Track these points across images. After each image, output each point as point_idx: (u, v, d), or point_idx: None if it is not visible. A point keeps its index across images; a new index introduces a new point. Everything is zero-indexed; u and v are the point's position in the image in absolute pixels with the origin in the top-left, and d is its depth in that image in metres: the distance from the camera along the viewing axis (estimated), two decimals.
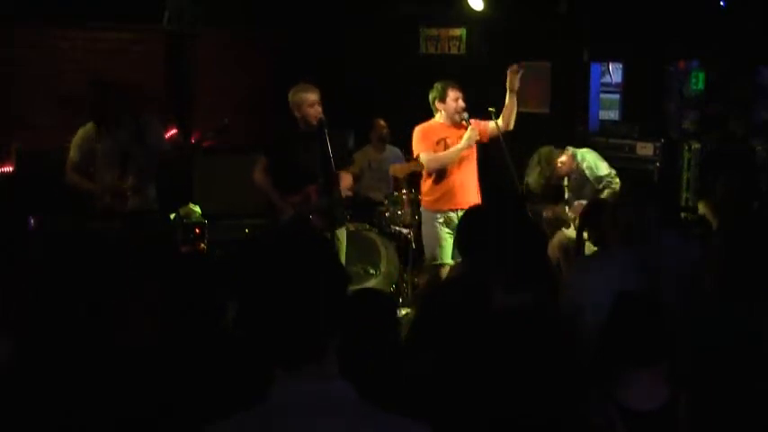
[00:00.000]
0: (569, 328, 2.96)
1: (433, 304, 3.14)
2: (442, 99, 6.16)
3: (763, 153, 7.16)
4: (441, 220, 6.19)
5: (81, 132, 5.72)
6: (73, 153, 5.71)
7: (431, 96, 6.23)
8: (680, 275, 3.50)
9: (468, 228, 3.69)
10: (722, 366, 2.89)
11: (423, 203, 6.43)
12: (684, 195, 7.37)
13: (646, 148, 7.52)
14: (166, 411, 2.53)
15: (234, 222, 7.30)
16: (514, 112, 6.24)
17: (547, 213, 6.57)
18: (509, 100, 6.22)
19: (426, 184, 6.31)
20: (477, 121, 6.20)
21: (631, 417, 2.42)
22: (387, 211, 7.34)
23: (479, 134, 6.16)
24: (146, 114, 5.76)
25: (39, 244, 5.74)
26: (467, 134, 6.08)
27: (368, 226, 7.28)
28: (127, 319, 3.02)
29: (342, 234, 6.05)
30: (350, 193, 5.92)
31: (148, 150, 5.60)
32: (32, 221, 5.93)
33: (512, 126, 6.25)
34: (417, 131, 6.25)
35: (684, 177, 7.40)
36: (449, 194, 6.18)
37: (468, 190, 6.21)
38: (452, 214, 6.14)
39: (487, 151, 6.51)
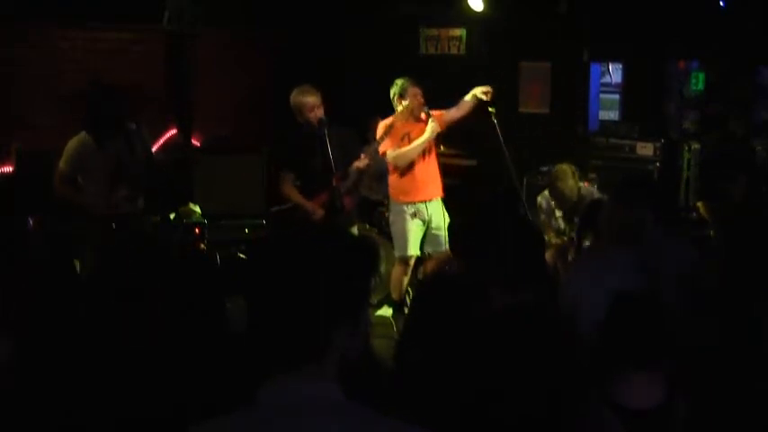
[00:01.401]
0: (569, 327, 2.96)
1: (429, 303, 3.14)
2: (402, 96, 6.27)
3: (763, 153, 7.16)
4: (411, 212, 6.34)
5: (74, 143, 5.57)
6: (64, 165, 5.55)
7: (391, 92, 6.35)
8: (680, 275, 3.49)
9: (466, 228, 3.69)
10: (722, 366, 2.90)
11: (392, 197, 6.57)
12: (684, 195, 7.38)
13: (646, 149, 7.52)
14: (165, 411, 2.53)
15: (234, 222, 7.31)
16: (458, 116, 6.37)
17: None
18: (467, 104, 6.30)
19: (393, 178, 6.46)
20: (435, 112, 6.33)
21: (630, 417, 2.42)
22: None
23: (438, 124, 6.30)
24: (136, 122, 5.64)
25: (39, 244, 5.75)
26: (429, 126, 6.22)
27: (367, 226, 7.29)
28: (126, 318, 3.01)
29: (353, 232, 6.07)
30: (368, 161, 5.97)
31: (139, 158, 5.54)
32: (31, 222, 5.93)
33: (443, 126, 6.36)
34: (380, 128, 6.36)
35: (684, 177, 7.41)
36: (416, 186, 6.34)
37: (433, 182, 6.41)
38: (421, 205, 6.34)
39: (488, 151, 6.51)
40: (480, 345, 2.78)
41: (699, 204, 6.26)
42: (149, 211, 5.84)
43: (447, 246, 6.27)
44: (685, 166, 7.42)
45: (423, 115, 6.29)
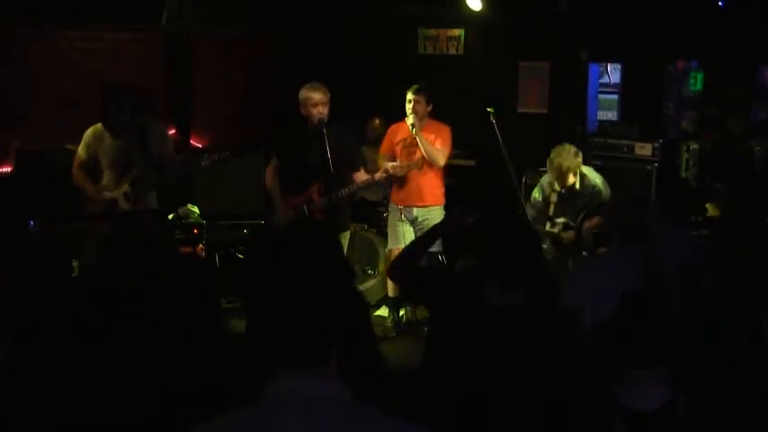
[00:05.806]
0: (569, 326, 2.97)
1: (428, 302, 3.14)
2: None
3: (761, 153, 7.16)
4: (399, 211, 6.55)
5: (89, 131, 5.69)
6: (81, 151, 5.70)
7: None
8: (680, 275, 3.50)
9: (465, 228, 3.68)
10: (722, 366, 2.90)
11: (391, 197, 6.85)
12: None
13: (644, 149, 7.53)
14: (165, 411, 2.53)
15: (233, 223, 7.31)
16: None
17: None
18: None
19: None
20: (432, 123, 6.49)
21: (631, 417, 2.43)
22: (385, 211, 7.36)
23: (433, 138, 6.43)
24: (150, 117, 5.74)
25: (38, 244, 5.76)
26: None
27: (366, 226, 7.29)
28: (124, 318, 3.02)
29: (344, 238, 6.07)
30: (368, 178, 6.02)
31: (151, 154, 5.58)
32: (32, 222, 5.93)
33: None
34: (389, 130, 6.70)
35: (683, 177, 7.41)
36: (402, 190, 6.52)
37: (422, 189, 6.50)
38: (409, 209, 6.53)
39: (487, 151, 6.51)
40: (479, 345, 2.78)
41: (708, 206, 6.22)
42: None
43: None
44: (684, 166, 7.43)
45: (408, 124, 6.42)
